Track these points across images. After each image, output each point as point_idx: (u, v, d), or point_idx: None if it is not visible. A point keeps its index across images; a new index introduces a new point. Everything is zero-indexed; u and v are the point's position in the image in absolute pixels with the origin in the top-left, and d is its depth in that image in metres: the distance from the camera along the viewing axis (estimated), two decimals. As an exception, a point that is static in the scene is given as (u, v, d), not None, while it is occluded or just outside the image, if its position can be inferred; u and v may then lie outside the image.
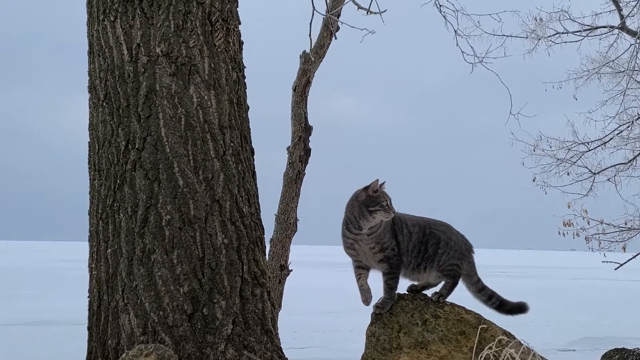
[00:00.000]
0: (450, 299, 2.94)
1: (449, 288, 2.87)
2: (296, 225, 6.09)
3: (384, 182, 2.76)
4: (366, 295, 2.82)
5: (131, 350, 1.61)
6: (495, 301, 2.83)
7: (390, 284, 2.80)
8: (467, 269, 2.87)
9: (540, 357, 2.53)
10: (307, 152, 6.11)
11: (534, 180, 9.69)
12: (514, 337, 2.64)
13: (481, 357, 2.14)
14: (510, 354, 2.14)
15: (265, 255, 3.31)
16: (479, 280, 2.87)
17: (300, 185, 6.09)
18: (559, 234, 9.91)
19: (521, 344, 2.42)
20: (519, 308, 2.85)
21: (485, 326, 2.74)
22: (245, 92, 3.36)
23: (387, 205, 2.69)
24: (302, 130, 6.10)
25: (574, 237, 9.83)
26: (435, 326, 2.79)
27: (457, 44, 5.93)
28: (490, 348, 2.17)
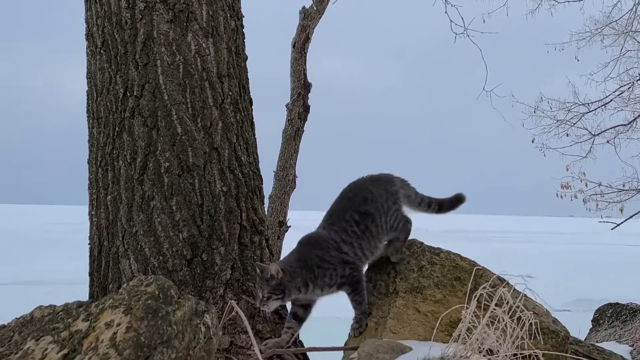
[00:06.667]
0: (447, 247, 2.98)
1: (404, 240, 2.88)
2: (295, 182, 6.12)
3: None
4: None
5: (132, 281, 1.64)
6: (435, 205, 2.93)
7: (357, 299, 2.73)
8: (406, 203, 2.89)
9: (533, 300, 2.58)
10: (306, 109, 6.11)
11: (532, 142, 9.70)
12: (507, 282, 2.68)
13: (475, 296, 2.18)
14: (503, 292, 2.18)
15: (264, 205, 3.34)
16: (416, 195, 2.91)
17: (299, 142, 6.11)
18: (557, 196, 9.97)
19: (512, 286, 2.46)
20: (457, 199, 2.97)
21: (481, 271, 2.79)
22: (244, 41, 3.33)
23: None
24: (301, 87, 6.08)
25: (571, 199, 9.89)
26: (431, 272, 2.83)
27: (445, 11, 5.86)
28: (485, 288, 2.21)
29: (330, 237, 2.71)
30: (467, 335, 2.20)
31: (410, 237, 2.93)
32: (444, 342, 2.36)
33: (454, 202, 2.98)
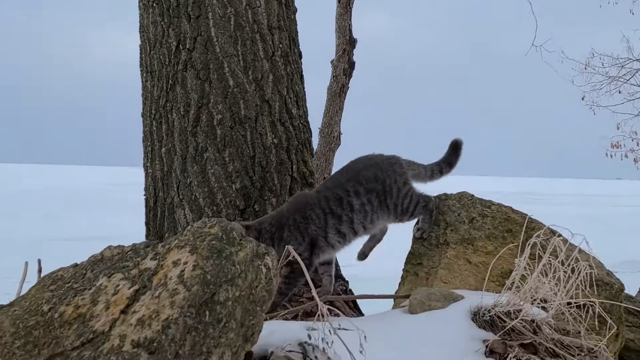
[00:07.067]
0: (498, 200, 2.97)
1: (429, 221, 2.81)
2: (339, 139, 6.13)
3: None
4: None
5: (196, 223, 1.69)
6: (445, 167, 2.87)
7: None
8: (419, 181, 2.84)
9: (586, 252, 2.55)
10: (352, 65, 6.06)
11: (582, 99, 9.44)
12: (560, 234, 2.66)
13: (529, 244, 2.18)
14: (557, 242, 2.17)
15: (314, 157, 3.37)
16: (425, 170, 2.85)
17: (344, 98, 6.09)
18: (607, 155, 9.73)
19: (567, 240, 2.44)
20: (455, 146, 2.89)
21: (533, 224, 2.77)
22: (293, -8, 3.32)
23: None
24: (347, 42, 6.02)
25: (621, 159, 9.64)
26: (482, 224, 2.82)
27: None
28: (538, 237, 2.20)
29: (320, 205, 2.61)
30: (521, 284, 2.20)
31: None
32: (496, 292, 2.38)
33: (455, 151, 2.90)
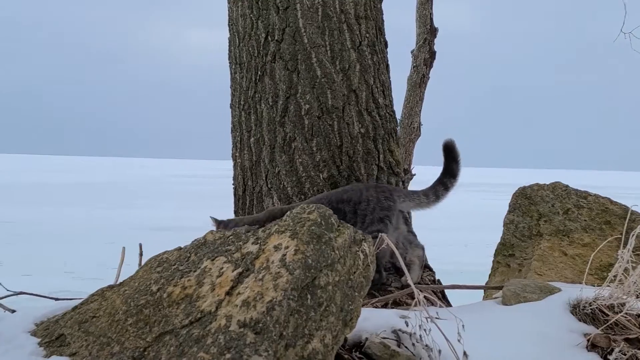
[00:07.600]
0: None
1: None
2: (420, 130, 6.06)
3: None
4: None
5: (295, 209, 1.73)
6: (448, 182, 2.79)
7: None
8: (425, 206, 2.79)
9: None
10: (432, 55, 5.96)
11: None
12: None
13: (633, 234, 2.08)
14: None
15: (399, 147, 3.35)
16: (427, 195, 2.79)
17: (425, 89, 6.00)
18: None
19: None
20: (448, 149, 2.81)
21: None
22: (379, -19, 3.30)
23: None
24: (428, 32, 5.92)
25: None
26: (577, 215, 2.73)
27: None
28: (644, 227, 2.10)
29: None
30: (624, 277, 2.11)
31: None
32: (596, 285, 2.29)
33: (450, 156, 2.83)
